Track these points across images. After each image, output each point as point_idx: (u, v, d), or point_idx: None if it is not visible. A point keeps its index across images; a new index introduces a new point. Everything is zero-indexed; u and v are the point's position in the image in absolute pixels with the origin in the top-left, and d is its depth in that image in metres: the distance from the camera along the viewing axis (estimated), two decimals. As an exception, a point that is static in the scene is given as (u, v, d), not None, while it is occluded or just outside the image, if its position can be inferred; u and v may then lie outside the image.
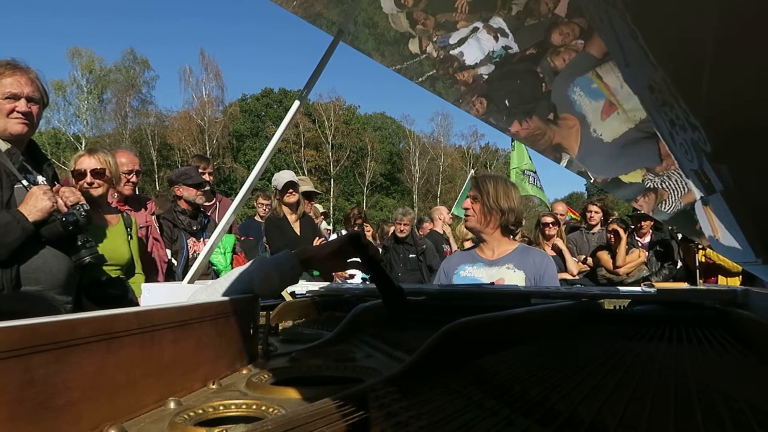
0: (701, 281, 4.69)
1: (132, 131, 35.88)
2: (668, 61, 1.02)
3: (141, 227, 3.54)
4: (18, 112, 2.29)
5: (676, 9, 0.81)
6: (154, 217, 3.83)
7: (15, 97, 2.29)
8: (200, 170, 4.46)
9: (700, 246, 4.61)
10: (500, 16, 1.72)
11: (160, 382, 0.75)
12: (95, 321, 0.64)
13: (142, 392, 0.71)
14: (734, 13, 0.71)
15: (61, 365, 0.58)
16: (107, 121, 36.06)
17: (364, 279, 4.58)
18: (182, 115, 37.32)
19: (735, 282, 4.67)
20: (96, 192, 2.89)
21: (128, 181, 3.51)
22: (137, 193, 3.96)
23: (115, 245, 2.86)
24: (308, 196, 5.10)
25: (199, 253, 2.52)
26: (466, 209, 2.47)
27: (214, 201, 4.72)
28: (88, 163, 2.91)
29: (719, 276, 4.81)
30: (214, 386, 0.84)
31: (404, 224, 6.18)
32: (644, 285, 2.24)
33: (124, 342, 0.69)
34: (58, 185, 2.42)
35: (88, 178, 2.89)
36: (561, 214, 6.17)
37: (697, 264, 4.72)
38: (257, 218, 5.42)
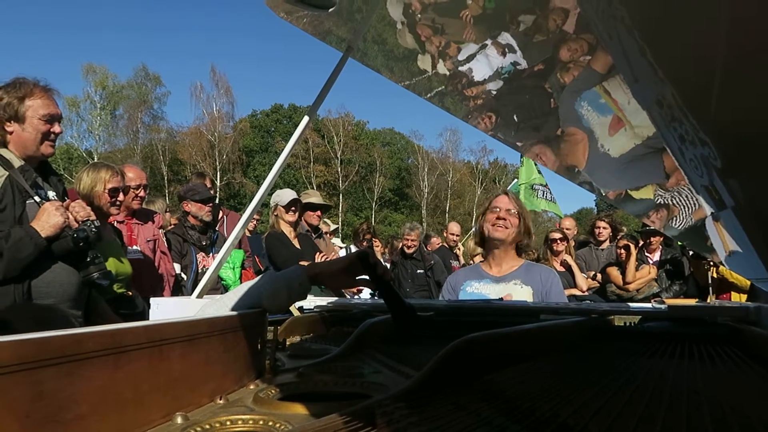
0: (713, 297, 4.63)
1: (143, 146, 36.26)
2: (677, 77, 1.02)
3: (149, 240, 3.57)
4: (53, 134, 2.34)
5: (684, 25, 0.82)
6: (161, 230, 3.86)
7: (52, 119, 2.33)
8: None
9: (711, 262, 4.57)
10: (508, 32, 1.73)
11: (167, 396, 0.75)
12: (103, 335, 0.64)
13: (149, 407, 0.71)
14: (744, 28, 0.71)
15: (70, 379, 0.58)
16: (119, 136, 36.54)
17: (372, 294, 4.56)
18: (193, 131, 37.68)
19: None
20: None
21: (136, 195, 3.55)
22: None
23: (116, 260, 2.88)
24: (319, 208, 5.07)
25: (208, 268, 2.53)
26: (502, 219, 2.45)
27: (221, 215, 4.73)
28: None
29: (732, 293, 4.75)
30: (221, 401, 0.84)
31: (411, 239, 6.18)
32: (655, 301, 2.22)
33: (132, 356, 0.69)
34: (68, 200, 2.44)
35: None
36: (568, 229, 6.15)
37: (710, 281, 4.67)
38: (246, 233, 5.35)
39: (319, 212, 5.04)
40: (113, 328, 0.67)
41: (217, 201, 4.88)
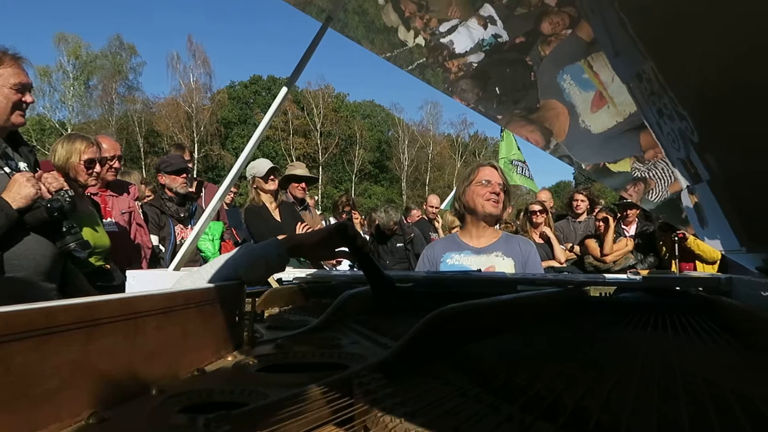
0: (676, 268, 4.75)
1: (118, 118, 35.47)
2: (657, 51, 1.01)
3: (124, 213, 3.51)
4: (24, 103, 2.27)
5: (665, -4, 0.81)
6: (137, 202, 3.80)
7: (23, 88, 2.26)
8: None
9: (677, 234, 4.67)
10: (490, 4, 1.71)
11: (143, 369, 0.75)
12: (75, 308, 0.63)
13: (125, 380, 0.71)
14: (723, 4, 0.71)
15: (40, 353, 0.57)
16: (93, 107, 35.66)
17: (351, 266, 4.56)
18: (169, 102, 36.93)
19: (711, 270, 4.73)
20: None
21: (111, 167, 3.48)
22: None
23: (94, 232, 2.83)
24: (303, 180, 5.00)
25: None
26: (496, 193, 2.42)
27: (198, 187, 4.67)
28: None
29: (696, 263, 4.87)
30: (198, 373, 0.83)
31: (393, 222, 6.13)
32: (630, 273, 2.25)
33: (106, 330, 0.68)
34: (40, 171, 2.38)
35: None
36: (544, 202, 6.20)
37: (676, 252, 4.78)
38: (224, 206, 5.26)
39: (303, 184, 4.98)
40: (85, 301, 0.66)
41: (194, 174, 4.78)
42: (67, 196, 2.29)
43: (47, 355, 0.58)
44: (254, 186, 4.37)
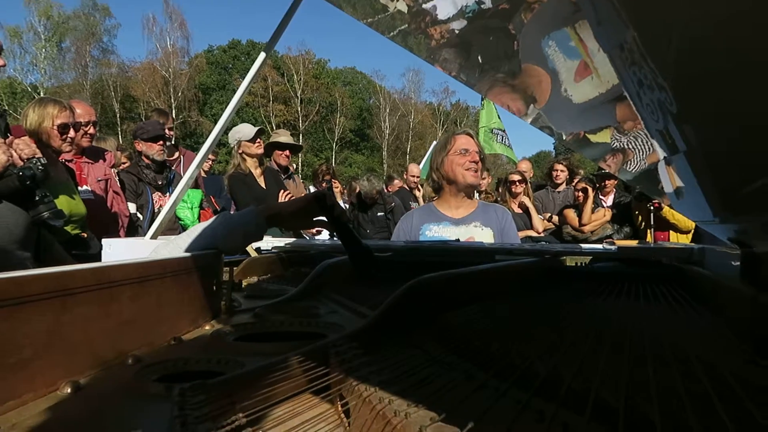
0: (651, 237, 4.84)
1: (93, 82, 34.48)
2: (638, 19, 1.01)
3: (100, 180, 3.45)
4: None
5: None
6: (113, 169, 3.73)
7: None
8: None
9: (652, 204, 4.76)
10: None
11: (119, 338, 0.74)
12: (47, 278, 0.62)
13: (100, 349, 0.70)
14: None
15: (11, 323, 0.56)
16: (66, 70, 34.54)
17: (331, 235, 4.54)
18: (146, 66, 35.99)
19: (685, 239, 4.83)
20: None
21: (85, 132, 3.39)
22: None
23: (70, 199, 2.78)
24: (287, 148, 4.92)
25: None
26: (476, 162, 2.38)
27: (177, 155, 4.58)
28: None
29: (671, 232, 4.97)
30: (175, 342, 0.83)
31: (376, 191, 6.12)
32: (606, 242, 2.29)
33: (80, 299, 0.67)
34: (11, 137, 2.31)
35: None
36: (525, 171, 6.23)
37: (651, 222, 4.87)
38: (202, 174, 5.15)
39: (287, 152, 4.88)
40: (58, 270, 0.65)
41: (172, 141, 4.66)
42: (39, 163, 2.24)
43: (19, 324, 0.57)
44: (240, 151, 4.24)
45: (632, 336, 0.79)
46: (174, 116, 32.63)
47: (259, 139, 4.23)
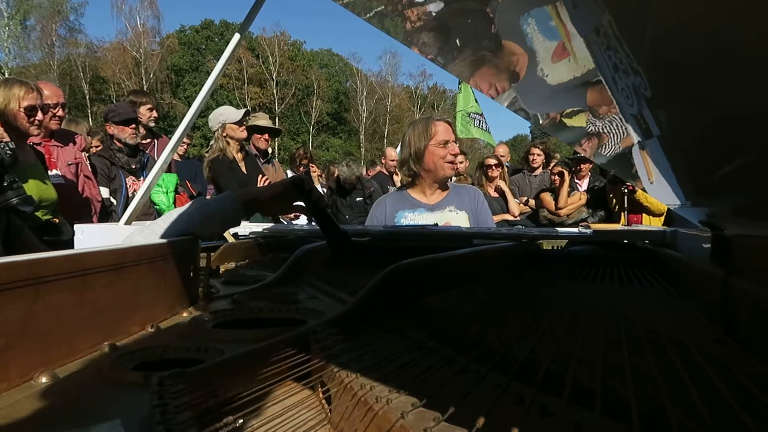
0: (625, 220, 4.94)
1: (60, 62, 33.48)
2: (613, 3, 1.01)
3: (70, 164, 3.37)
4: None
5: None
6: (84, 153, 3.64)
7: None
8: (141, 106, 4.21)
9: (626, 188, 4.84)
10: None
11: (94, 327, 0.73)
12: (18, 266, 0.60)
13: (75, 338, 0.69)
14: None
15: (-18, 313, 0.55)
16: (32, 50, 33.42)
17: (309, 220, 4.51)
18: (115, 46, 35.07)
19: (658, 222, 4.94)
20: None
21: (54, 115, 3.30)
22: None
23: (40, 184, 2.71)
24: (266, 131, 4.84)
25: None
26: (455, 155, 2.39)
27: (150, 140, 4.48)
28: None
29: (643, 215, 5.07)
30: (152, 330, 0.82)
31: (356, 176, 6.07)
32: (581, 226, 2.32)
33: (53, 287, 0.65)
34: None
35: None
36: (502, 156, 6.27)
37: (625, 204, 4.96)
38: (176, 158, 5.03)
39: (266, 135, 4.80)
40: (30, 258, 0.63)
41: (153, 124, 4.49)
42: (7, 148, 2.17)
43: (-10, 314, 0.56)
44: (224, 135, 4.12)
45: (607, 318, 0.81)
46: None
47: (243, 122, 4.15)
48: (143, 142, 4.23)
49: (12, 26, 31.85)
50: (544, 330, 0.71)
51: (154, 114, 4.39)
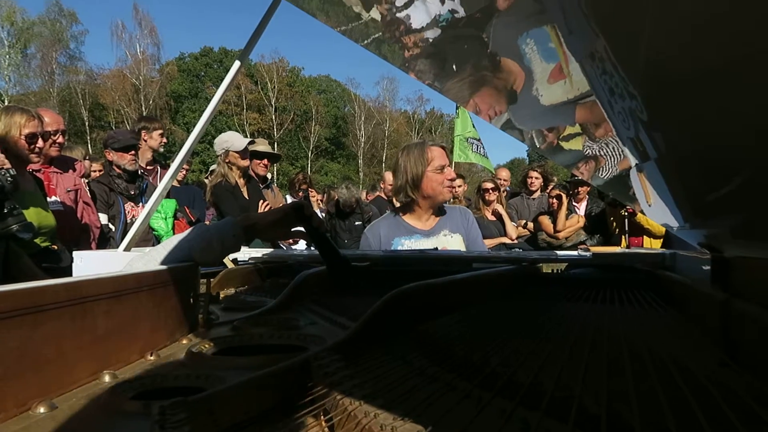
0: (626, 243, 4.93)
1: (60, 89, 33.74)
2: (608, 29, 1.03)
3: (69, 191, 3.37)
4: None
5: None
6: (83, 179, 3.65)
7: None
8: (153, 131, 4.23)
9: (627, 210, 4.84)
10: (446, -22, 1.69)
11: (93, 355, 0.72)
12: (18, 294, 0.60)
13: (73, 367, 0.68)
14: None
15: (-19, 342, 0.55)
16: (32, 77, 33.72)
17: (308, 245, 4.49)
18: (115, 74, 35.40)
19: (658, 244, 4.93)
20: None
21: (54, 142, 3.31)
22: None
23: (39, 211, 2.71)
24: (266, 157, 4.87)
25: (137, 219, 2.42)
26: (452, 179, 2.42)
27: (154, 165, 4.47)
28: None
29: (644, 237, 5.07)
30: (152, 357, 0.81)
31: (354, 199, 6.09)
32: (581, 249, 2.32)
33: (52, 315, 0.65)
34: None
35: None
36: (505, 180, 6.29)
37: (626, 227, 4.96)
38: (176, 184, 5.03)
39: (266, 161, 4.82)
40: (29, 286, 0.63)
41: (161, 150, 4.50)
42: (8, 175, 2.18)
43: (-11, 344, 0.56)
44: (226, 161, 4.13)
45: (610, 342, 0.80)
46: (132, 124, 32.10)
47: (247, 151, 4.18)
48: (148, 167, 4.24)
49: (13, 54, 32.21)
50: (547, 354, 0.70)
51: (164, 140, 4.41)
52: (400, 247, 2.36)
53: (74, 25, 35.41)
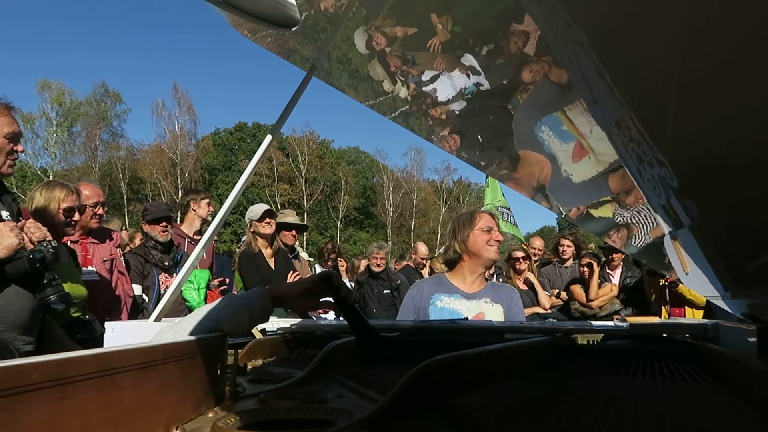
0: (666, 313, 4.75)
1: (102, 164, 35.34)
2: (634, 99, 1.04)
3: (105, 260, 3.45)
4: (16, 152, 2.27)
5: (641, 48, 0.84)
6: (119, 249, 3.74)
7: (15, 137, 2.26)
8: (201, 200, 4.37)
9: (665, 280, 4.70)
10: (472, 54, 1.75)
11: (119, 428, 0.71)
12: (48, 365, 0.60)
13: (99, 440, 0.67)
14: (699, 53, 0.73)
15: (10, 414, 0.54)
16: (76, 154, 35.48)
17: (337, 315, 4.46)
18: (154, 149, 36.99)
19: (700, 315, 4.74)
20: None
21: (94, 213, 3.43)
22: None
23: (73, 282, 2.77)
24: (294, 228, 4.98)
25: (170, 289, 2.45)
26: (498, 240, 2.50)
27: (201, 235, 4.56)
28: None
29: (686, 308, 4.88)
30: (177, 431, 0.80)
31: (380, 258, 6.15)
32: (617, 319, 2.25)
33: (80, 387, 0.65)
34: (23, 221, 2.34)
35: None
36: (540, 250, 6.23)
37: (667, 297, 4.79)
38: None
39: (294, 232, 4.95)
40: (59, 357, 0.63)
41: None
42: (50, 246, 2.25)
43: (18, 416, 0.55)
44: (251, 230, 4.33)
45: (653, 417, 0.76)
46: (180, 197, 33.23)
47: (267, 219, 4.30)
48: (195, 237, 4.31)
49: (59, 133, 34.05)
50: (587, 430, 0.67)
51: (212, 208, 4.52)
52: (438, 303, 2.40)
53: (118, 105, 37.54)
